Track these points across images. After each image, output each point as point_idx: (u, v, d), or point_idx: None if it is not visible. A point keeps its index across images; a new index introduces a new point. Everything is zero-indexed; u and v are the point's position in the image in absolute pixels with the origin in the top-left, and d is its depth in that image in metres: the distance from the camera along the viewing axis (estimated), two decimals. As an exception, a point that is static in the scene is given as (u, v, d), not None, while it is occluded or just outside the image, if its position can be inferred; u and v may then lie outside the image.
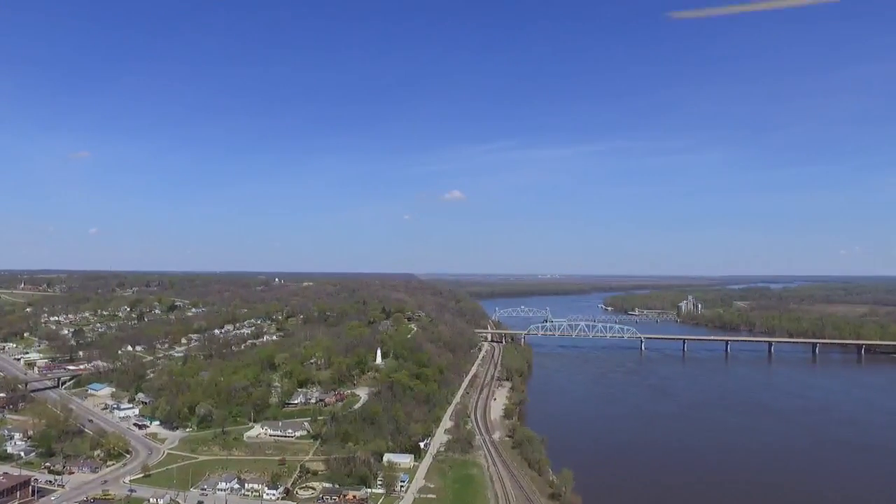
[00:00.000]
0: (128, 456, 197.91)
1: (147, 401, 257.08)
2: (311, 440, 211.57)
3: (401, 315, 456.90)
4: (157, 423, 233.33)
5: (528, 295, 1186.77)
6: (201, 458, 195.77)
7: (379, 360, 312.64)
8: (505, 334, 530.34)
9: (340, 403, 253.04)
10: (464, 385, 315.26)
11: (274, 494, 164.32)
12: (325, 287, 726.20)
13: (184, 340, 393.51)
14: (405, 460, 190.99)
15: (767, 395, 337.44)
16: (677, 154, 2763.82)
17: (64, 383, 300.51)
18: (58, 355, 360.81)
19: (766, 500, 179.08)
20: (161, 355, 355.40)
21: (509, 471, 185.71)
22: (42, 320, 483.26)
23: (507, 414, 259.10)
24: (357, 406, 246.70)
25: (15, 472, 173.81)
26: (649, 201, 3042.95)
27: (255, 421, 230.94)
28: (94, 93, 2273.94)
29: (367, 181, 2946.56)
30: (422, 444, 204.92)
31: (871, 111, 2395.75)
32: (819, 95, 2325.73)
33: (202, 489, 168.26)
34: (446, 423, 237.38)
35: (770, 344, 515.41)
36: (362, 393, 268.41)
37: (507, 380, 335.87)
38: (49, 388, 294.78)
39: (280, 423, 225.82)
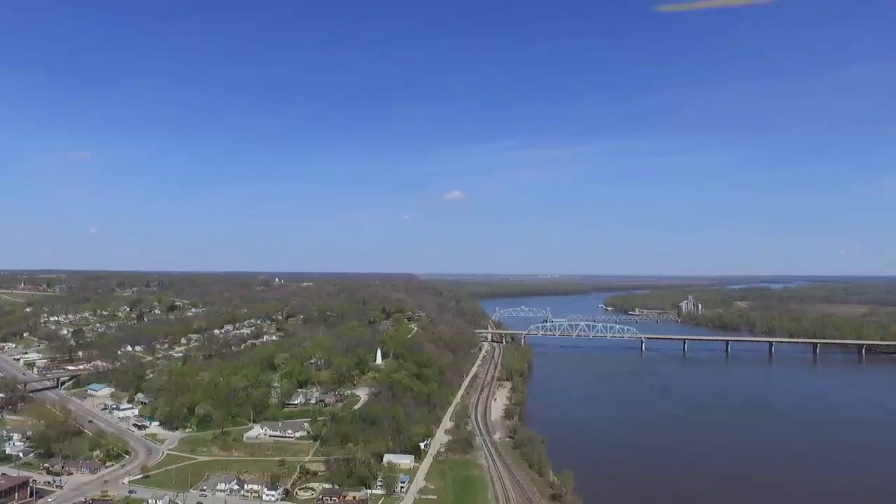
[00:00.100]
0: (127, 457, 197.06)
1: (146, 401, 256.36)
2: (311, 441, 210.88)
3: (401, 315, 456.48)
4: (157, 423, 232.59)
5: (528, 295, 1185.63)
6: (201, 458, 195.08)
7: (379, 360, 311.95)
8: (505, 334, 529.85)
9: (340, 404, 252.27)
10: (464, 385, 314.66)
11: (273, 495, 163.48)
12: (325, 287, 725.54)
13: (183, 340, 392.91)
14: (405, 461, 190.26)
15: (768, 395, 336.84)
16: (677, 154, 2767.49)
17: (63, 383, 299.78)
18: (57, 355, 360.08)
19: (766, 500, 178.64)
20: (161, 355, 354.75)
21: (510, 471, 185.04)
22: (41, 320, 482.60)
23: (508, 414, 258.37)
24: (357, 406, 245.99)
25: (13, 473, 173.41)
26: (649, 201, 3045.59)
27: (254, 421, 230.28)
28: (94, 93, 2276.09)
29: (367, 181, 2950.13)
30: (422, 445, 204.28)
31: (871, 111, 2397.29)
32: (819, 95, 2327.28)
33: (201, 490, 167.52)
34: (447, 423, 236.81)
35: (770, 344, 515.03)
36: (362, 393, 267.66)
37: (508, 380, 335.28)
38: (48, 388, 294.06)
39: (280, 424, 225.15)
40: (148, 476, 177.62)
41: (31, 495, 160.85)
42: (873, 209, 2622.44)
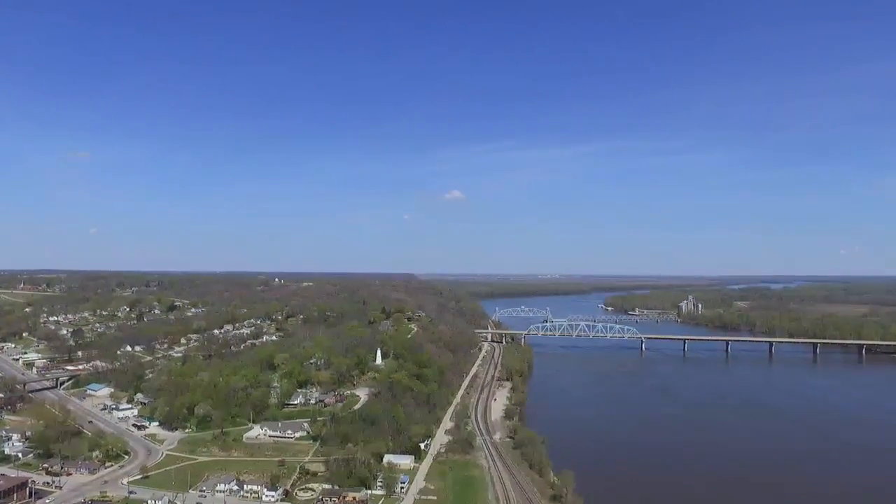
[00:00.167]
0: (126, 457, 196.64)
1: (146, 401, 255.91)
2: (311, 441, 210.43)
3: (401, 315, 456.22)
4: (156, 423, 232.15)
5: (528, 295, 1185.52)
6: (200, 459, 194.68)
7: (379, 360, 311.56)
8: (505, 334, 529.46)
9: (340, 404, 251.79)
10: (464, 385, 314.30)
11: (273, 496, 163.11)
12: (325, 287, 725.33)
13: (183, 341, 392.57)
14: (405, 461, 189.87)
15: (768, 396, 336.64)
16: (677, 154, 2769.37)
17: (62, 384, 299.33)
18: (56, 355, 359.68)
19: (766, 500, 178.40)
20: (160, 355, 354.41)
21: (510, 472, 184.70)
22: (41, 320, 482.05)
23: (508, 414, 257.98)
24: (357, 407, 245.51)
25: (12, 473, 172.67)
26: (649, 201, 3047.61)
27: (254, 422, 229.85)
28: (94, 93, 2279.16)
29: (367, 181, 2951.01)
30: (422, 445, 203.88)
31: (871, 111, 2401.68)
32: (819, 95, 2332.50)
33: (201, 491, 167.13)
34: (447, 423, 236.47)
35: (771, 344, 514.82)
36: (362, 393, 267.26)
37: (508, 380, 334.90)
38: (47, 388, 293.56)
39: (279, 424, 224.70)
40: (147, 476, 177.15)
41: (30, 496, 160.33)
42: (873, 209, 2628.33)
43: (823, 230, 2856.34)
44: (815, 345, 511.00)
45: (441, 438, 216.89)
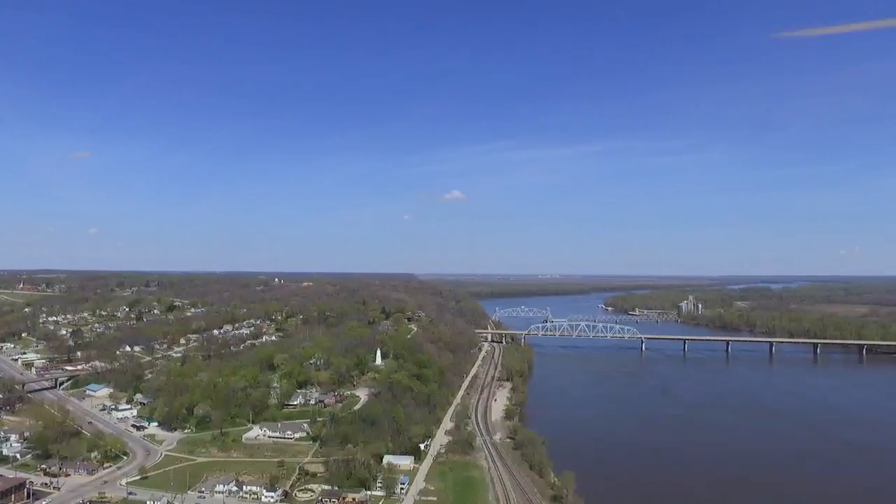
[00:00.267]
0: (125, 458, 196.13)
1: (145, 402, 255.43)
2: (311, 442, 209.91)
3: (401, 315, 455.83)
4: (156, 424, 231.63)
5: (528, 295, 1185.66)
6: (199, 459, 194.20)
7: (379, 360, 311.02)
8: (505, 334, 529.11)
9: (340, 404, 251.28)
10: (464, 386, 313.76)
11: (272, 497, 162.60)
12: (325, 287, 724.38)
13: (182, 341, 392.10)
14: (405, 462, 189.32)
15: (768, 396, 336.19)
16: (677, 154, 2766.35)
17: (62, 384, 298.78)
18: (56, 356, 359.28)
19: (766, 500, 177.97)
20: (160, 356, 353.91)
21: (510, 472, 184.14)
22: (40, 320, 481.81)
23: (508, 415, 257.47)
24: (357, 407, 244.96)
25: (10, 474, 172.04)
26: (649, 201, 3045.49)
27: (253, 422, 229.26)
28: (94, 93, 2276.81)
29: (367, 181, 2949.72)
30: (422, 446, 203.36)
31: (872, 111, 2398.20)
32: (819, 95, 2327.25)
33: (200, 491, 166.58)
34: (447, 424, 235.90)
35: (771, 344, 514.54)
36: (362, 394, 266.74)
37: (508, 380, 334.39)
38: (46, 388, 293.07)
39: (279, 425, 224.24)
40: (146, 477, 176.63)
41: (28, 497, 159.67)
42: (873, 209, 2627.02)
43: (823, 230, 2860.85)
44: (815, 345, 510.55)
45: (441, 439, 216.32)
